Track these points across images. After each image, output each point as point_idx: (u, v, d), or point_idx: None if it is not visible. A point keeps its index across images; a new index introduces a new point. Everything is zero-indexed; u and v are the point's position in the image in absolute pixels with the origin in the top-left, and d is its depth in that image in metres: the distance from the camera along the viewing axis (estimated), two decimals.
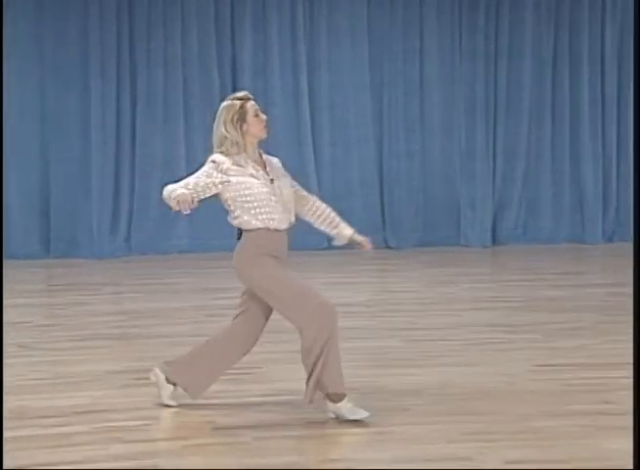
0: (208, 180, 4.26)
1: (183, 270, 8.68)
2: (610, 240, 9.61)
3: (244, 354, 4.50)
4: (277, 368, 5.27)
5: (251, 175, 4.31)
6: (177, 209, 4.13)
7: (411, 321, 6.42)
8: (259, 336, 4.47)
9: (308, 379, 4.30)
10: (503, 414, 4.48)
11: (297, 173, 9.29)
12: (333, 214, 4.52)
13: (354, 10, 9.41)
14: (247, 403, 4.63)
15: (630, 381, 4.96)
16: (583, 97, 9.41)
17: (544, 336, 6.01)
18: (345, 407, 4.32)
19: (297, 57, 9.40)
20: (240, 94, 4.42)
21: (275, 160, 4.52)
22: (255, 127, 4.35)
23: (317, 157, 9.56)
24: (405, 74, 9.46)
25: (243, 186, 4.28)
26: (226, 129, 4.31)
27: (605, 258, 9.02)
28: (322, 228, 4.54)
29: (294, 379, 5.03)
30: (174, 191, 4.16)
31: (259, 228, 4.30)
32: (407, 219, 9.58)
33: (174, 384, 4.51)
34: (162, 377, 4.53)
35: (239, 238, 4.40)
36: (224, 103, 4.39)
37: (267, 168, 4.40)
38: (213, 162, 4.30)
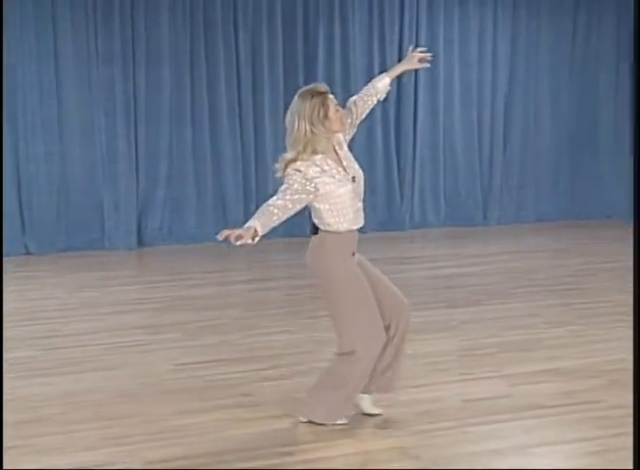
0: (304, 195, 4.06)
1: None
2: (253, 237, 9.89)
3: None
4: None
5: (334, 178, 4.13)
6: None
7: (51, 329, 6.23)
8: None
9: None
10: (144, 416, 4.49)
11: None
12: (371, 87, 4.47)
13: None
14: None
15: (267, 372, 5.20)
16: (221, 100, 9.62)
17: (187, 335, 6.08)
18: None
19: None
20: (320, 87, 4.19)
21: (340, 137, 4.27)
22: (336, 123, 4.16)
23: None
24: (40, 76, 9.16)
25: (330, 193, 4.11)
26: (313, 126, 4.07)
27: (247, 255, 9.28)
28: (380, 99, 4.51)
29: None
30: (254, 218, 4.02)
31: (343, 231, 4.17)
32: (49, 224, 9.30)
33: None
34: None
35: (315, 233, 4.21)
36: (304, 97, 4.12)
37: (345, 164, 4.20)
38: (299, 171, 4.06)
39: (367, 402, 4.48)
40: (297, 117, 4.11)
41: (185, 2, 9.48)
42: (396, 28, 10.23)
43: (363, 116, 4.45)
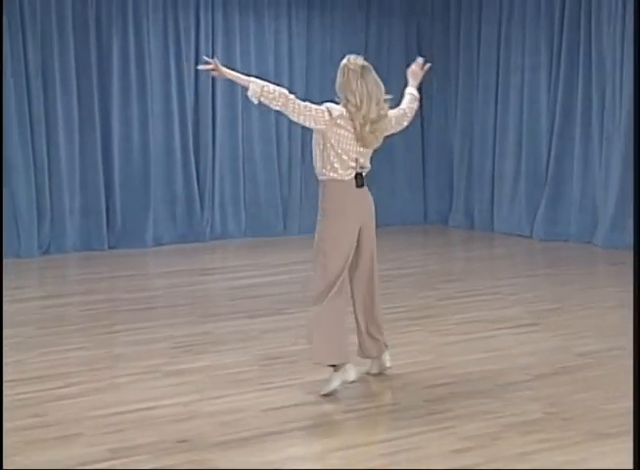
0: None
1: None
2: (47, 252, 9.58)
3: None
4: None
5: None
6: None
7: None
8: None
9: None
10: None
11: None
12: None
13: None
14: None
15: (62, 391, 5.04)
16: (10, 110, 9.15)
17: None
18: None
19: None
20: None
21: None
22: None
23: None
24: None
25: None
26: None
27: (41, 270, 8.98)
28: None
29: None
30: None
31: None
32: None
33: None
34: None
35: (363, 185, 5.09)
36: (368, 65, 5.13)
37: None
38: None
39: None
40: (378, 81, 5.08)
41: None
42: (192, 40, 10.20)
43: None
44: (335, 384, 4.89)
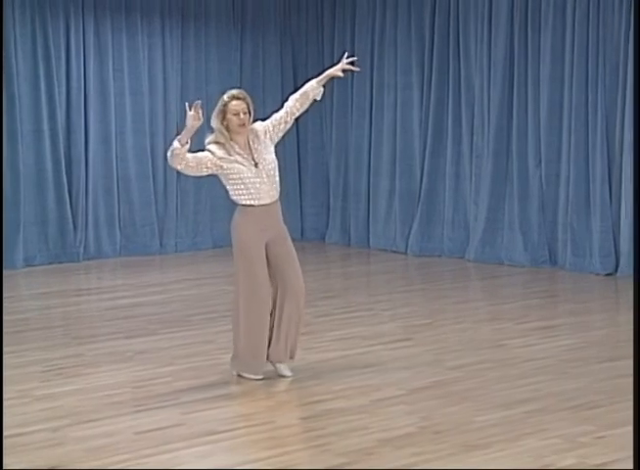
0: (206, 160, 5.27)
1: None
2: None
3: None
4: None
5: (237, 162, 5.31)
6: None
7: None
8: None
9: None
10: None
11: None
12: (307, 90, 5.53)
13: None
14: None
15: None
16: None
17: None
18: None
19: None
20: (232, 92, 5.36)
21: (259, 130, 5.40)
22: (232, 124, 5.30)
23: None
24: None
25: (232, 171, 5.31)
26: (213, 120, 5.33)
27: None
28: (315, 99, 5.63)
29: None
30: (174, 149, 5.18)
31: (246, 205, 5.36)
32: None
33: None
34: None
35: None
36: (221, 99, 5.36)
37: (254, 154, 5.34)
38: (209, 151, 5.30)
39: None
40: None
41: None
42: (63, 57, 9.99)
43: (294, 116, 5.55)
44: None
